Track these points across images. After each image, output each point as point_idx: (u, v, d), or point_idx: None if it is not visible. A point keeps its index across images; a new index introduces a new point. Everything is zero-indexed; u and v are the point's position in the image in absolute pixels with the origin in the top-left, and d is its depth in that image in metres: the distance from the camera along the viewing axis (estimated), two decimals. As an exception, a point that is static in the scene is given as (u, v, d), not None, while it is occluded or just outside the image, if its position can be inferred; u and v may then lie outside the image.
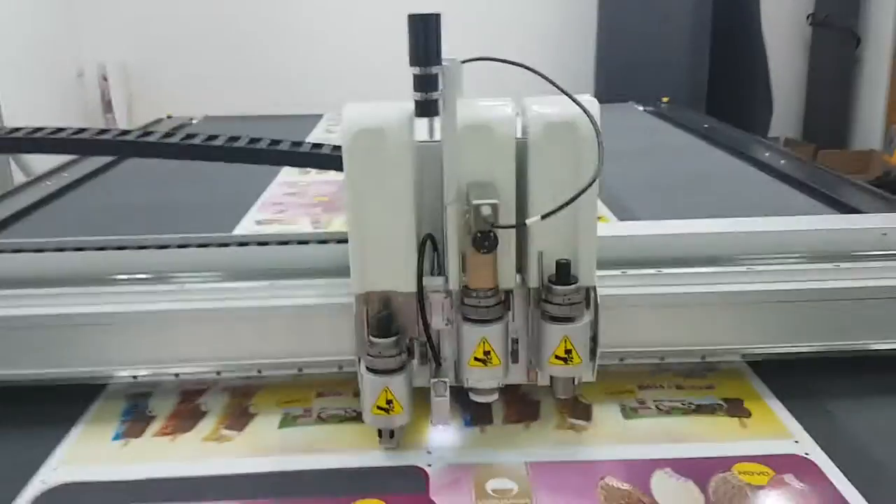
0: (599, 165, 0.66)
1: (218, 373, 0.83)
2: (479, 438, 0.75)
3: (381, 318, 0.70)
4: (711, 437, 0.74)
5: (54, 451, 0.74)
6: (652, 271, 0.81)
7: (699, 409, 0.79)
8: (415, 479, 0.70)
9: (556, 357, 0.71)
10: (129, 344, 0.79)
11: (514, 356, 0.74)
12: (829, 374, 0.83)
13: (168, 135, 0.90)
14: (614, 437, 0.75)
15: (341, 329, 0.78)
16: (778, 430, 0.75)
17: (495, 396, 0.73)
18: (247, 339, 0.79)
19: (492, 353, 0.70)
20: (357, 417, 0.79)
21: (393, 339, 0.70)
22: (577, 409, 0.79)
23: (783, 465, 0.69)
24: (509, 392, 0.81)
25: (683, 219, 0.95)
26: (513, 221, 0.69)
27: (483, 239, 0.65)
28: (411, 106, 0.66)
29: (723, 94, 3.24)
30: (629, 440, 0.74)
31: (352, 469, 0.71)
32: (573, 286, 0.69)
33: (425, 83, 0.64)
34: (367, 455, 0.73)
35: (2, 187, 2.23)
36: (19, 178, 2.60)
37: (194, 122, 2.46)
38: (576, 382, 0.74)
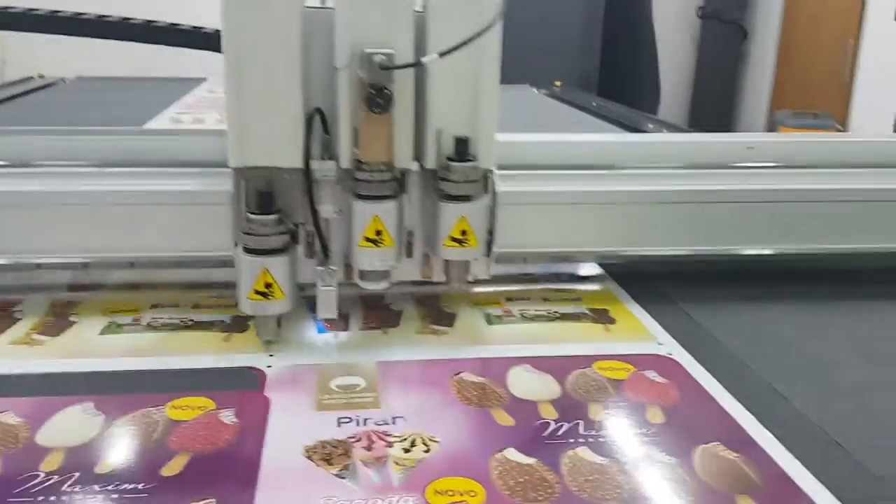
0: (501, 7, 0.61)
1: (38, 265, 0.73)
2: (330, 343, 0.69)
3: (262, 192, 0.62)
4: (573, 340, 0.70)
5: None
6: (522, 172, 0.76)
7: (564, 317, 0.75)
8: (249, 377, 0.62)
9: (452, 239, 0.66)
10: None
11: (409, 250, 0.69)
12: (690, 284, 0.82)
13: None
14: (474, 339, 0.70)
15: (180, 222, 0.71)
16: (641, 333, 0.72)
17: (386, 284, 0.68)
18: (72, 227, 0.70)
19: (384, 232, 0.64)
20: (194, 326, 0.71)
21: (274, 216, 0.62)
22: (440, 316, 0.74)
23: (645, 363, 0.66)
24: (371, 300, 0.76)
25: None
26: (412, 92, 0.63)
27: (377, 95, 0.58)
28: None
29: (612, 80, 3.27)
30: (489, 342, 0.70)
31: (177, 370, 0.64)
32: (471, 164, 0.65)
33: None
34: (198, 357, 0.66)
35: None
36: None
37: (66, 81, 2.30)
38: (469, 275, 0.69)
